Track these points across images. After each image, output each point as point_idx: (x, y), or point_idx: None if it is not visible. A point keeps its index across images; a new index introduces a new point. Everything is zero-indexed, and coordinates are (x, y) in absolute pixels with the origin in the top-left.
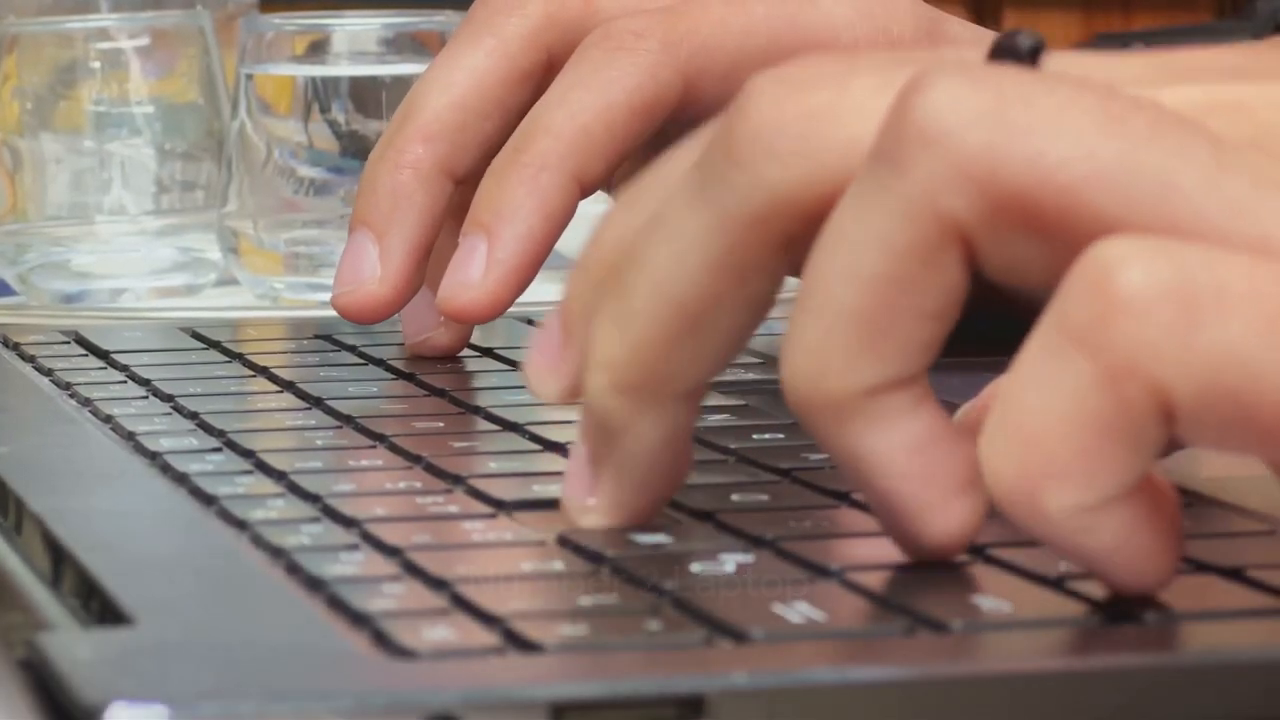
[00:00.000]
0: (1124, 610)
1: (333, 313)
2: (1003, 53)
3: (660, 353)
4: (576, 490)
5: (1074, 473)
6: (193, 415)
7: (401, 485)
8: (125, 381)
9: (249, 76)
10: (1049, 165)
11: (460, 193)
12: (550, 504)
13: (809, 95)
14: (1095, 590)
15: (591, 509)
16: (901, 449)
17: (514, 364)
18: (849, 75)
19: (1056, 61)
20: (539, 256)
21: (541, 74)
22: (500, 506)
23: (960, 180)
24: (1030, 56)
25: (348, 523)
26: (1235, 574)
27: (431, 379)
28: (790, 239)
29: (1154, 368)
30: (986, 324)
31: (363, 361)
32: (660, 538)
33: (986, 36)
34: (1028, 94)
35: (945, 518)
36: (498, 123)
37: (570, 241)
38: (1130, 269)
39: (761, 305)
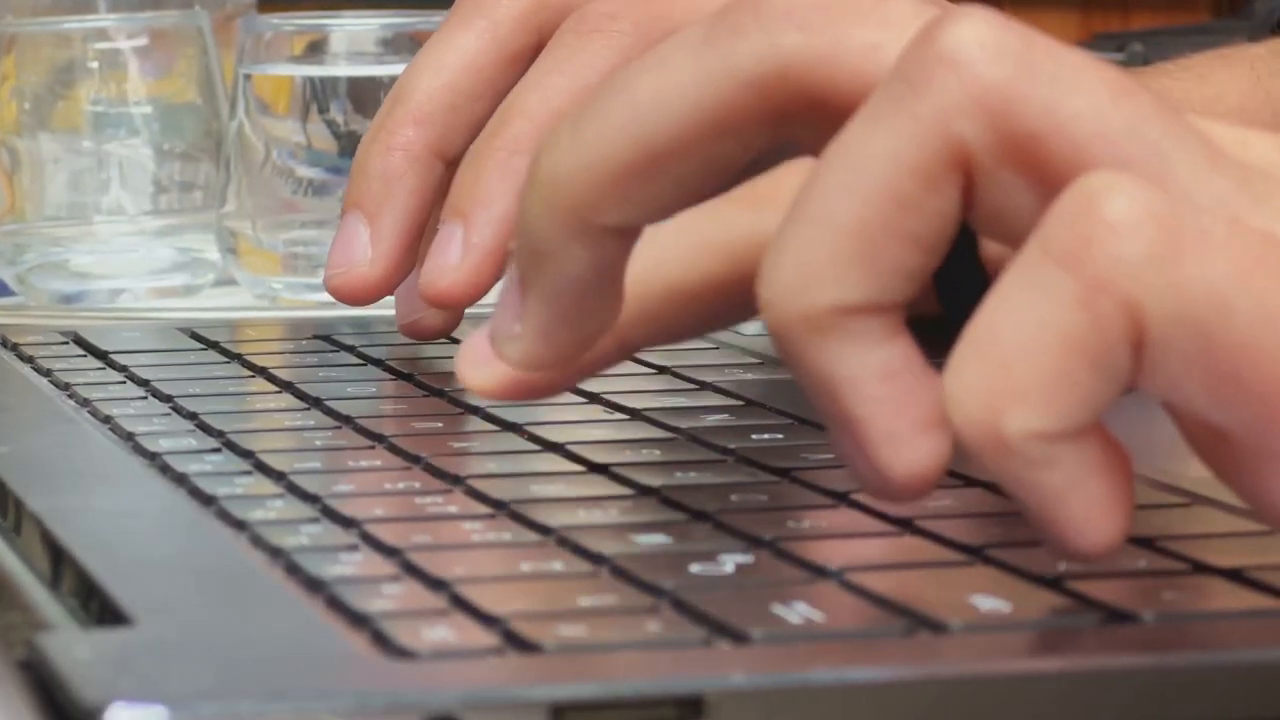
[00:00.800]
0: (1123, 611)
1: (331, 313)
2: None
3: (606, 183)
4: (504, 320)
5: (1040, 393)
6: (192, 415)
7: (400, 485)
8: (124, 382)
9: (247, 77)
10: (1063, 115)
11: (451, 175)
12: (549, 502)
13: None
14: (1094, 591)
15: (517, 337)
16: (874, 373)
17: None
18: None
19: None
20: None
21: (532, 55)
22: (499, 507)
23: (976, 108)
24: None
25: (347, 523)
26: (1234, 574)
27: (430, 379)
28: (782, 115)
29: (1131, 287)
30: None
31: (361, 362)
32: (660, 538)
33: None
34: (1054, 48)
35: (911, 451)
36: (489, 104)
37: None
38: (1120, 195)
39: (722, 170)
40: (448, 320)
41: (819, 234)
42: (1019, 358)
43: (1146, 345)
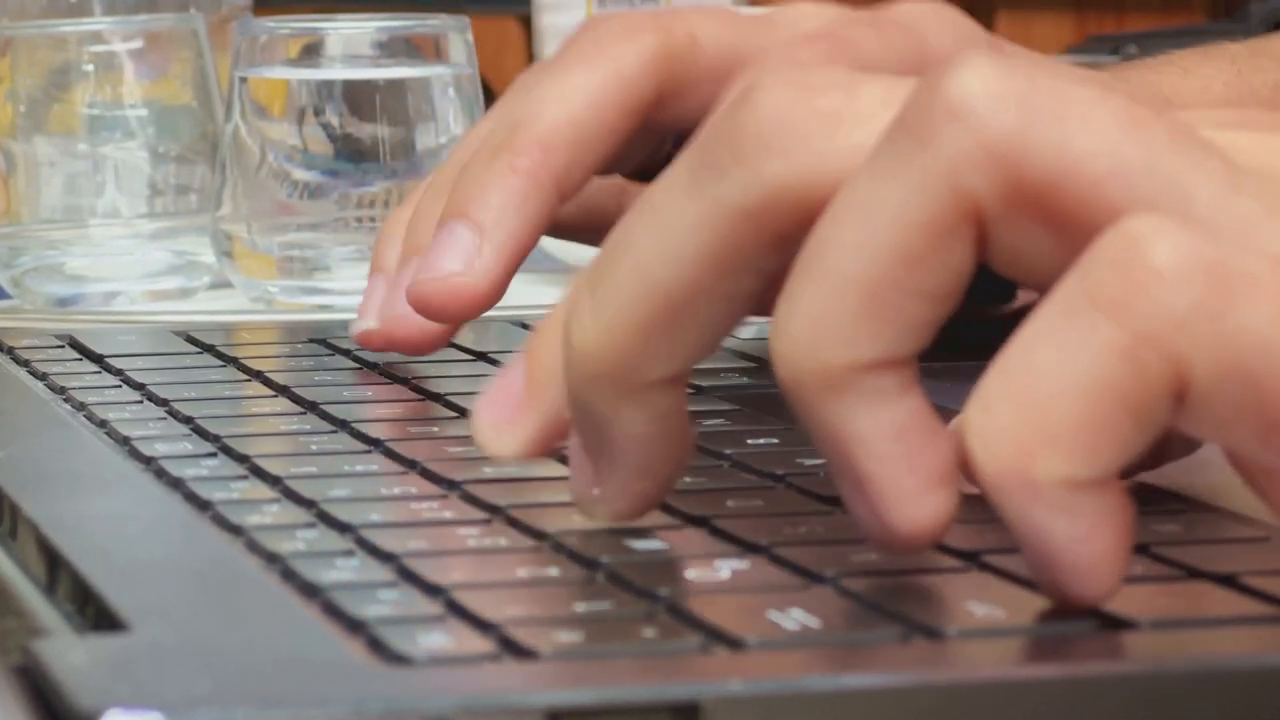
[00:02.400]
0: (1118, 617)
1: (325, 316)
2: None
3: (636, 342)
4: (581, 483)
5: (1075, 440)
6: (187, 420)
7: (397, 490)
8: (120, 386)
9: (243, 79)
10: (1075, 156)
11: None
12: (545, 507)
13: (818, 98)
14: None
15: (599, 500)
16: (885, 432)
17: None
18: (859, 84)
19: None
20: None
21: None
22: (495, 512)
23: (986, 159)
24: None
25: (343, 528)
26: (1229, 581)
27: (426, 384)
28: (782, 238)
29: (1178, 340)
30: (977, 332)
31: (358, 365)
32: (655, 543)
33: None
34: (1058, 86)
35: (918, 508)
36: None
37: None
38: (1167, 240)
39: (744, 302)
40: (427, 335)
41: (829, 291)
42: (1056, 403)
43: (1192, 396)
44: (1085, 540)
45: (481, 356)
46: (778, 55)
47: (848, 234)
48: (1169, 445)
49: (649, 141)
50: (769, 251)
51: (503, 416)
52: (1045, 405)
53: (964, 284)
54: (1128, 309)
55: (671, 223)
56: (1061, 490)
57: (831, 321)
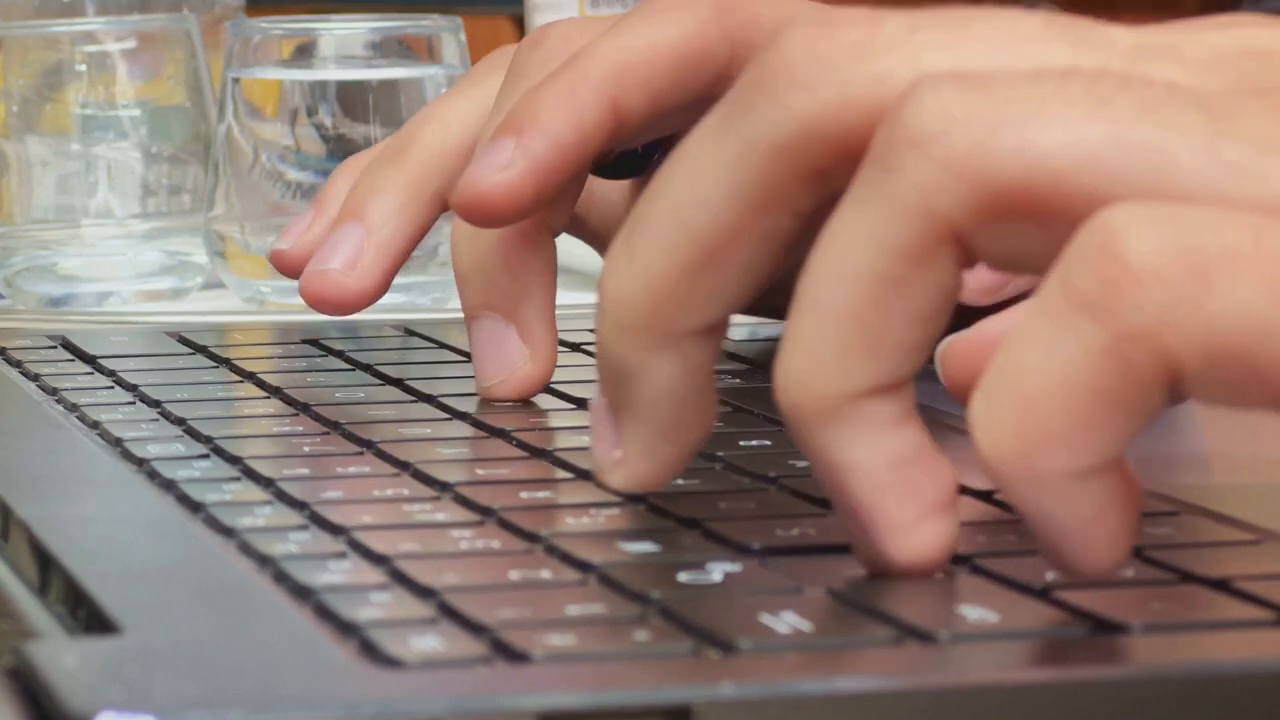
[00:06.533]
0: (1111, 621)
1: (319, 316)
2: None
3: (672, 287)
4: (602, 445)
5: (1072, 437)
6: (180, 421)
7: (389, 492)
8: (112, 387)
9: (236, 80)
10: (1036, 154)
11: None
12: (537, 510)
13: (841, 32)
14: (1082, 601)
15: (619, 462)
16: (882, 462)
17: None
18: (882, 17)
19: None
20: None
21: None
22: (487, 514)
23: (950, 180)
24: None
25: (335, 530)
26: (1221, 585)
27: (418, 385)
28: (818, 172)
29: (1164, 335)
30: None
31: (350, 367)
32: (648, 546)
33: None
34: (1014, 90)
35: (916, 538)
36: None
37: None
38: (1137, 234)
39: (782, 241)
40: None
41: (819, 323)
42: (1048, 401)
43: (1187, 380)
44: (1093, 522)
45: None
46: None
47: (833, 266)
48: None
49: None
50: (804, 188)
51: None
52: (1040, 405)
53: (953, 300)
54: (1106, 309)
55: (705, 166)
56: (1065, 480)
57: (823, 351)
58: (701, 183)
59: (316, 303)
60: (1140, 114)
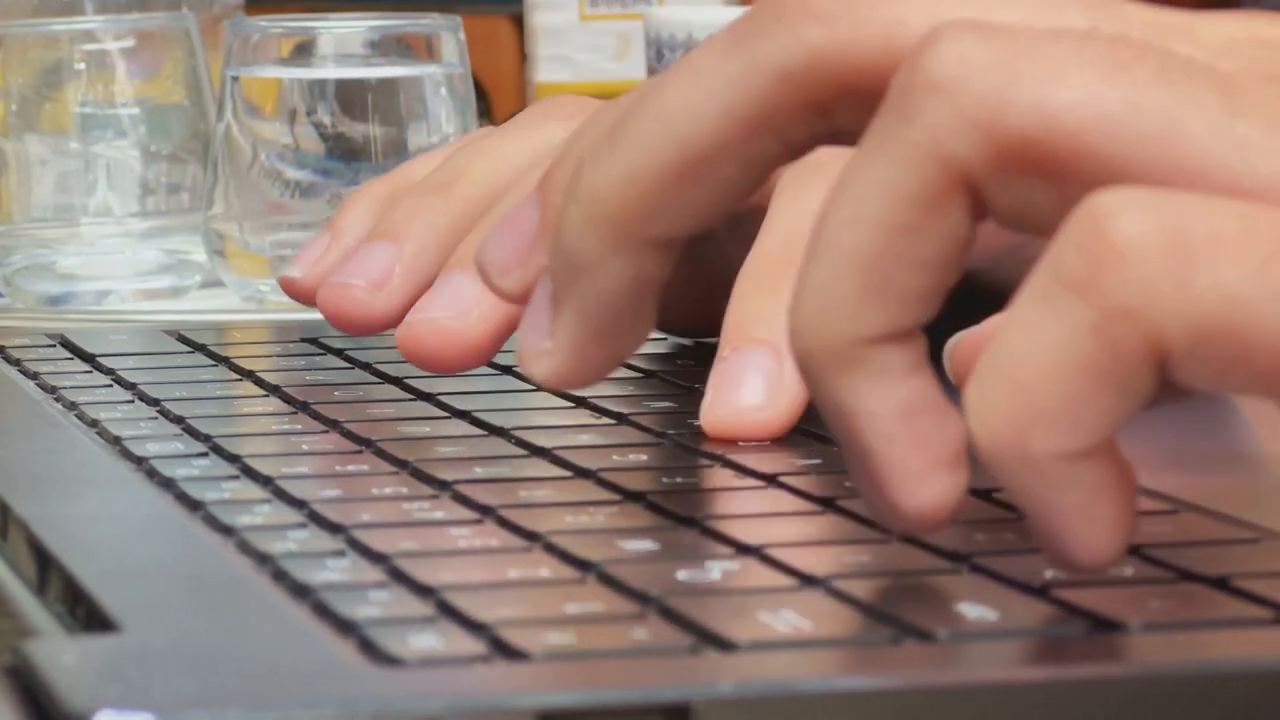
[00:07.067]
0: (1110, 619)
1: (318, 315)
2: None
3: (648, 191)
4: (534, 334)
5: (1062, 417)
6: (179, 419)
7: (388, 490)
8: (111, 385)
9: (235, 78)
10: (1054, 110)
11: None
12: (536, 508)
13: None
14: (1081, 599)
15: (546, 353)
16: (894, 410)
17: (503, 368)
18: None
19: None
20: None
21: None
22: (486, 512)
23: (965, 126)
24: None
25: (334, 528)
26: (1220, 583)
27: (417, 383)
28: (817, 105)
29: (1148, 313)
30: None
31: (349, 365)
32: (647, 544)
33: None
34: (1035, 44)
35: (925, 488)
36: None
37: None
38: (1124, 216)
39: (761, 170)
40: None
41: (831, 268)
42: (1039, 382)
43: (1174, 360)
44: (1087, 508)
45: None
46: None
47: (845, 211)
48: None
49: None
50: (799, 118)
51: (511, 256)
52: (1030, 385)
53: (965, 250)
54: (1094, 287)
55: (705, 78)
56: (1057, 463)
57: (835, 296)
58: (698, 94)
59: (335, 318)
60: (1157, 82)
